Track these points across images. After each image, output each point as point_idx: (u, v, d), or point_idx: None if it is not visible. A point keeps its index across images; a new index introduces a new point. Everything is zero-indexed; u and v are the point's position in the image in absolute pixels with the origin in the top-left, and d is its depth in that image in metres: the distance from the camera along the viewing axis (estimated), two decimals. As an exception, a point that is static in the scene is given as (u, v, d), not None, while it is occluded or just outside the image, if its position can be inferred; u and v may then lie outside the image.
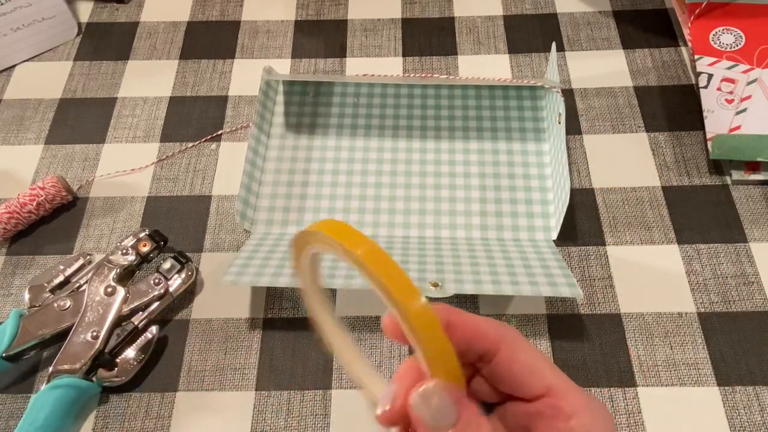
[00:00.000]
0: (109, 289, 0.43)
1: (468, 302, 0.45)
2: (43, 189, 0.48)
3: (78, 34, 0.61)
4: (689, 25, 0.55)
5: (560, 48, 0.58)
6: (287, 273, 0.41)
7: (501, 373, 0.22)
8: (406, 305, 0.19)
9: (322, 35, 0.60)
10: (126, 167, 0.52)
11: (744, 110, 0.50)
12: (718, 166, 0.50)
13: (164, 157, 0.53)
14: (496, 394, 0.23)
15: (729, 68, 0.52)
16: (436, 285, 0.39)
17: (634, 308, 0.44)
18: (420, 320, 0.19)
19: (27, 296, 0.43)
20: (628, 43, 0.58)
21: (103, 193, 0.51)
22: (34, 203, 0.48)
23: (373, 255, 0.20)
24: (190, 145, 0.53)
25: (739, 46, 0.53)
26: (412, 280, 0.19)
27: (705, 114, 0.50)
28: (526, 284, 0.40)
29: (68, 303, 0.42)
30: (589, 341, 0.43)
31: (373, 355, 0.43)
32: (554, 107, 0.49)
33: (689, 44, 0.55)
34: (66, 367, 0.40)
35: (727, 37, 0.54)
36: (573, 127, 0.53)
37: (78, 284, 0.44)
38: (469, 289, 0.39)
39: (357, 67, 0.58)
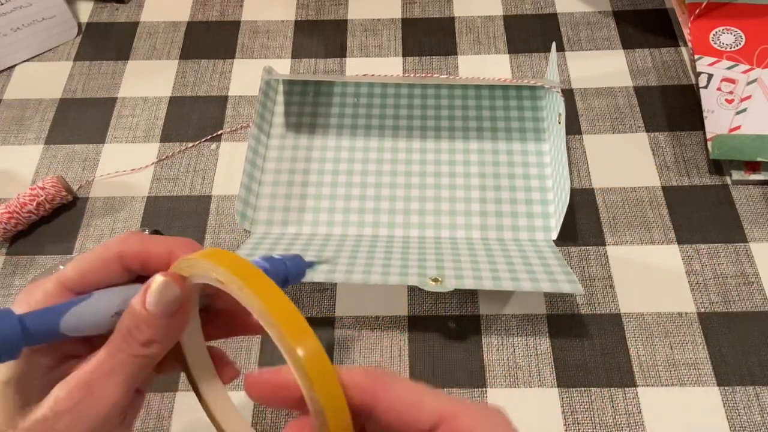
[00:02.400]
0: (109, 289, 0.43)
1: (468, 300, 0.45)
2: (43, 189, 0.48)
3: (78, 34, 0.61)
4: (689, 25, 0.55)
5: (560, 48, 0.58)
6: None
7: (388, 419, 0.20)
8: (297, 347, 0.17)
9: (322, 35, 0.60)
10: (126, 167, 0.52)
11: (744, 110, 0.50)
12: (718, 166, 0.50)
13: (164, 157, 0.53)
14: None
15: (729, 68, 0.52)
16: (436, 280, 0.39)
17: (634, 308, 0.44)
18: (313, 364, 0.17)
19: (27, 296, 0.43)
20: (628, 43, 0.58)
21: (103, 193, 0.51)
22: (34, 203, 0.48)
23: (267, 291, 0.18)
24: (190, 145, 0.53)
25: (739, 46, 0.53)
26: (303, 320, 0.18)
27: (705, 114, 0.50)
28: (526, 280, 0.40)
29: (68, 303, 0.42)
30: (589, 341, 0.43)
31: (372, 355, 0.43)
32: (554, 107, 0.49)
33: (689, 44, 0.55)
34: (66, 367, 0.40)
35: (727, 37, 0.54)
36: (573, 127, 0.53)
37: (78, 284, 0.44)
38: (469, 284, 0.39)
39: (357, 67, 0.58)
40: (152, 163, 0.53)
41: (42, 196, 0.48)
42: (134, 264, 0.24)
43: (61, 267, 0.45)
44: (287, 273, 0.25)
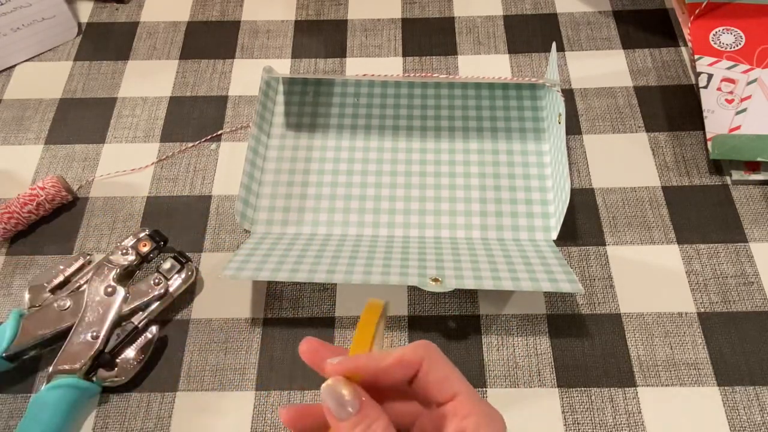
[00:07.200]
0: (109, 289, 0.43)
1: (468, 300, 0.45)
2: (43, 189, 0.48)
3: (78, 34, 0.61)
4: (689, 25, 0.55)
5: (560, 48, 0.58)
6: (287, 269, 0.41)
7: (420, 385, 0.27)
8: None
9: (322, 35, 0.60)
10: (126, 167, 0.52)
11: (744, 110, 0.50)
12: (718, 166, 0.50)
13: (164, 157, 0.53)
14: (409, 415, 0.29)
15: (729, 68, 0.52)
16: (436, 280, 0.39)
17: (634, 308, 0.44)
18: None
19: (27, 296, 0.43)
20: (628, 43, 0.58)
21: (103, 193, 0.51)
22: (34, 203, 0.48)
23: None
24: (190, 145, 0.53)
25: (739, 46, 0.53)
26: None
27: (705, 114, 0.50)
28: (526, 280, 0.40)
29: (68, 303, 0.42)
30: (589, 341, 0.43)
31: (373, 355, 0.43)
32: (554, 107, 0.49)
33: (689, 44, 0.55)
34: (66, 367, 0.40)
35: (727, 37, 0.54)
36: (573, 127, 0.53)
37: (78, 284, 0.44)
38: (469, 284, 0.39)
39: (357, 67, 0.58)
40: (152, 163, 0.53)
41: (42, 196, 0.48)
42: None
43: (61, 267, 0.45)
44: None
